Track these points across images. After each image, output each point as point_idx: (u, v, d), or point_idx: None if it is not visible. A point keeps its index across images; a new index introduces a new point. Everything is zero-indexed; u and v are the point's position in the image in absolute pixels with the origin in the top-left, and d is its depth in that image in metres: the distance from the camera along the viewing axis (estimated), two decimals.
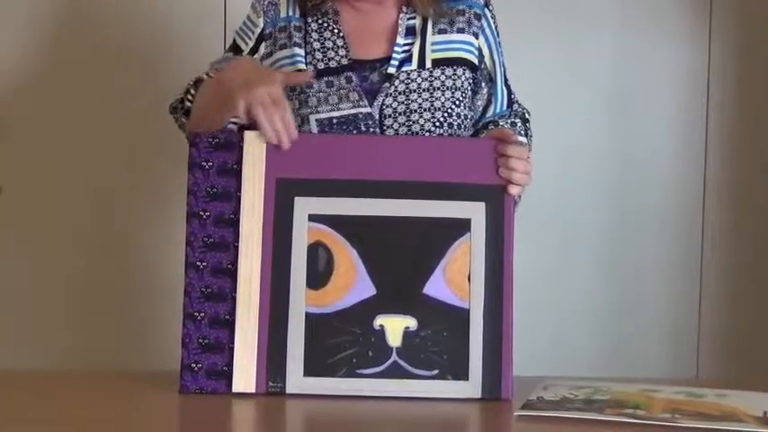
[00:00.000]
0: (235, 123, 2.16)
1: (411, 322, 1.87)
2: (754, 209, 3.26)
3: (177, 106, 2.20)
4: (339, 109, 2.11)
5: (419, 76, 2.14)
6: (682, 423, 1.65)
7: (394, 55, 2.14)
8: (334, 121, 2.11)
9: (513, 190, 1.91)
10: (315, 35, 2.16)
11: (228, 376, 1.87)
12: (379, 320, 1.87)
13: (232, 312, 1.89)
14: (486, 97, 2.23)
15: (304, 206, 1.90)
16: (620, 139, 3.22)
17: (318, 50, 2.15)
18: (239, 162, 1.92)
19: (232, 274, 1.90)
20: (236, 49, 2.24)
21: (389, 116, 2.11)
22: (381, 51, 2.16)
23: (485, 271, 1.89)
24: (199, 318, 1.89)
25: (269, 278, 1.89)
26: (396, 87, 2.12)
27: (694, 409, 1.72)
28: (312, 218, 1.90)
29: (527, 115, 2.28)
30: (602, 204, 3.22)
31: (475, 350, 1.87)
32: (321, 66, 2.14)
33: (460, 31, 2.18)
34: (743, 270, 3.27)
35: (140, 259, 3.12)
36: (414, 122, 2.12)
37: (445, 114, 2.13)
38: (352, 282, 1.88)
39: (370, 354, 1.86)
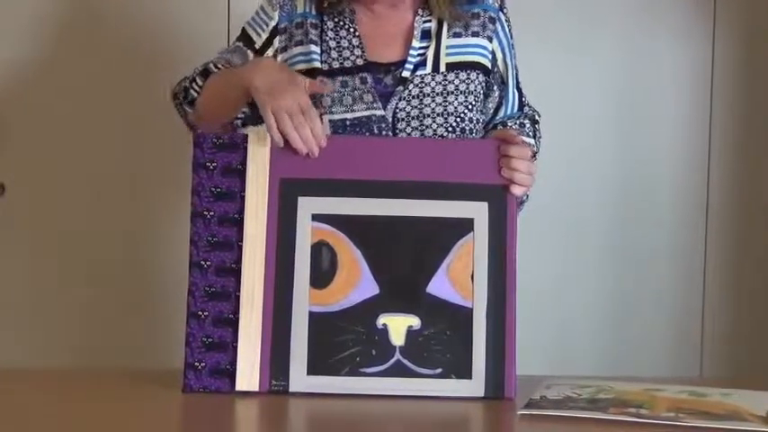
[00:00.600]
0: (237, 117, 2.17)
1: (414, 321, 1.87)
2: (757, 209, 3.25)
3: (179, 93, 2.19)
4: (353, 111, 2.11)
5: (433, 79, 2.13)
6: (685, 422, 1.65)
7: (409, 58, 2.14)
8: (348, 123, 2.11)
9: (516, 190, 1.91)
10: (331, 33, 2.15)
11: (232, 375, 1.87)
12: (383, 319, 1.87)
13: (236, 311, 1.89)
14: (497, 100, 2.23)
15: (307, 206, 1.91)
16: (623, 138, 3.21)
17: (334, 49, 2.14)
18: (243, 162, 1.92)
19: (236, 273, 1.90)
20: (246, 39, 2.21)
21: (402, 120, 2.11)
22: (396, 54, 2.16)
23: (488, 270, 1.89)
24: (202, 317, 1.90)
25: (272, 277, 1.89)
26: (410, 91, 2.12)
27: (698, 409, 1.72)
28: (316, 217, 1.90)
29: (537, 117, 2.28)
30: (607, 204, 3.22)
31: (478, 349, 1.87)
32: (336, 65, 2.14)
33: (475, 34, 2.18)
34: (746, 270, 3.26)
35: (144, 258, 3.12)
36: (426, 127, 2.12)
37: (458, 119, 2.12)
38: (356, 281, 1.88)
39: (374, 353, 1.87)
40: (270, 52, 2.18)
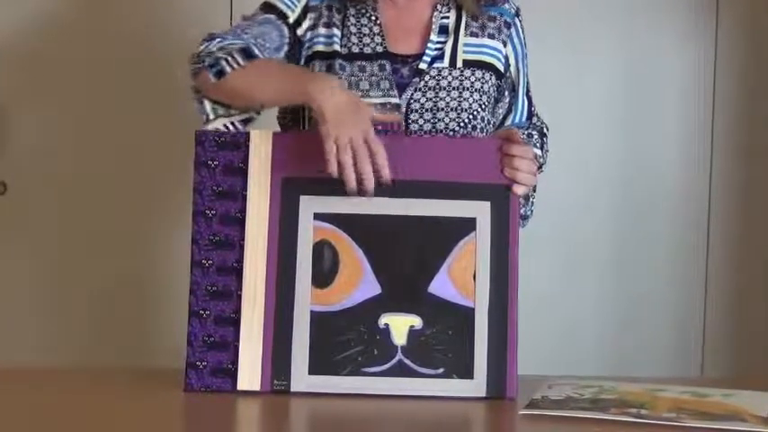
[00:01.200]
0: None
1: (416, 321, 1.87)
2: (759, 210, 3.25)
3: (206, 57, 2.04)
4: (369, 97, 2.10)
5: (450, 74, 2.14)
6: (686, 423, 1.65)
7: (427, 51, 2.15)
8: None
9: (519, 190, 1.91)
10: (352, 20, 2.16)
11: (233, 374, 1.87)
12: (385, 319, 1.87)
13: (237, 310, 1.89)
14: (506, 106, 2.23)
15: (309, 205, 1.90)
16: (626, 140, 3.22)
17: (354, 35, 2.15)
18: (245, 161, 1.92)
19: (238, 272, 1.90)
20: (277, 12, 2.15)
21: (416, 111, 2.11)
22: (414, 48, 2.16)
23: (490, 270, 1.89)
24: (204, 316, 1.90)
25: (274, 276, 1.89)
26: (426, 83, 2.13)
27: (699, 409, 1.72)
28: (317, 216, 1.90)
29: (545, 130, 2.28)
30: (609, 205, 3.22)
31: (480, 349, 1.87)
32: (356, 50, 2.14)
33: (491, 36, 2.19)
34: (748, 271, 3.26)
35: (145, 257, 3.12)
36: (439, 120, 2.12)
37: (470, 116, 2.13)
38: (358, 280, 1.88)
39: (376, 352, 1.86)
40: (300, 30, 2.14)
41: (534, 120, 2.27)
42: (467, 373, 1.86)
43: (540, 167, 2.12)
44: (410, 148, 1.93)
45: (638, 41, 3.21)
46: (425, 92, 2.12)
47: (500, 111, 2.23)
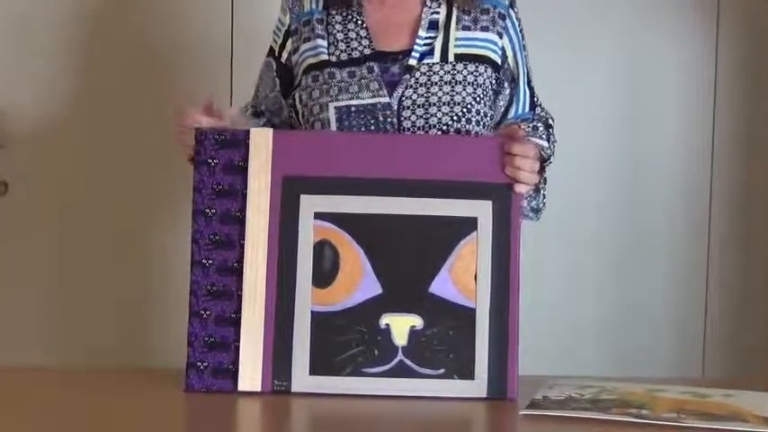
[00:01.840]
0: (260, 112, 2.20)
1: (417, 321, 1.87)
2: (761, 210, 3.25)
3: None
4: (359, 98, 2.12)
5: (441, 69, 2.14)
6: (687, 423, 1.65)
7: (415, 47, 2.15)
8: (353, 109, 2.12)
9: (521, 189, 1.91)
10: (338, 26, 2.18)
11: (234, 375, 1.87)
12: (385, 319, 1.87)
13: (238, 311, 1.89)
14: (508, 98, 2.23)
15: (310, 204, 1.90)
16: (627, 138, 3.21)
17: (342, 41, 2.17)
18: (245, 159, 1.92)
19: (238, 272, 1.90)
20: (271, 50, 2.28)
21: (408, 108, 2.11)
22: (403, 44, 2.17)
23: (491, 270, 1.88)
24: (204, 316, 1.89)
25: (275, 276, 1.89)
26: (417, 79, 2.13)
27: (700, 409, 1.72)
28: (318, 216, 1.90)
29: (550, 121, 2.27)
30: (609, 204, 3.22)
31: (481, 349, 1.87)
32: (344, 56, 2.16)
33: (484, 29, 2.19)
34: (749, 271, 3.26)
35: (146, 257, 3.12)
36: (431, 115, 2.12)
37: (464, 110, 2.12)
38: (358, 280, 1.88)
39: (376, 353, 1.86)
40: (284, 55, 2.24)
41: (538, 110, 2.27)
42: (468, 373, 1.86)
43: (547, 159, 2.12)
44: (411, 148, 1.93)
45: (639, 40, 3.20)
46: (416, 88, 2.12)
47: (501, 103, 2.22)
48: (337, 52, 2.17)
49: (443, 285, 1.88)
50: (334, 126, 2.12)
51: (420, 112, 2.11)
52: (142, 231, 3.11)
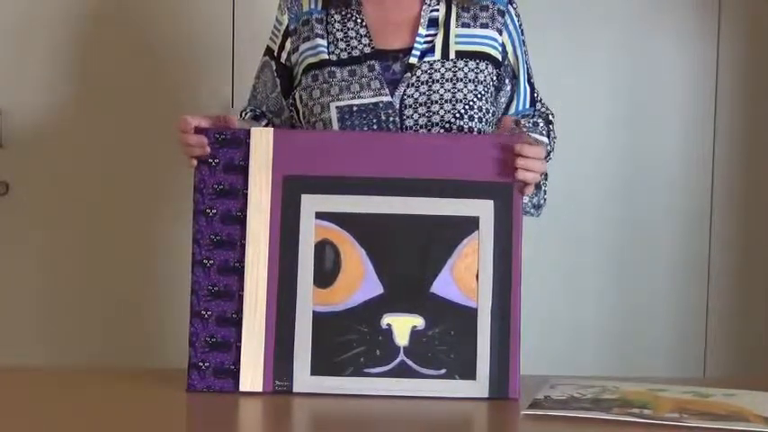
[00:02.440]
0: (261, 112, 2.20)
1: (418, 321, 1.87)
2: (762, 210, 3.25)
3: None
4: (360, 97, 2.12)
5: (443, 66, 2.14)
6: (689, 423, 1.65)
7: (416, 45, 2.14)
8: (354, 108, 2.11)
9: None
10: (338, 26, 2.18)
11: (236, 375, 1.87)
12: (387, 319, 1.87)
13: (239, 311, 1.89)
14: (508, 94, 2.23)
15: (311, 204, 1.90)
16: (628, 139, 3.21)
17: (341, 40, 2.17)
18: (246, 159, 1.92)
19: (239, 272, 1.90)
20: (269, 51, 2.28)
21: (410, 106, 2.11)
22: (404, 42, 2.16)
23: (493, 270, 1.88)
24: (206, 316, 1.89)
25: (276, 276, 1.89)
26: (418, 77, 2.13)
27: (701, 409, 1.72)
28: (319, 215, 1.90)
29: (551, 117, 2.27)
30: (611, 204, 3.22)
31: (482, 349, 1.86)
32: (344, 55, 2.16)
33: (484, 26, 2.19)
34: (750, 271, 3.26)
35: (147, 257, 3.12)
36: (434, 113, 2.11)
37: (466, 106, 2.12)
38: (360, 280, 1.88)
39: (378, 353, 1.86)
40: (284, 55, 2.23)
41: (538, 106, 2.27)
42: (469, 373, 1.86)
43: (547, 155, 2.12)
44: (412, 147, 1.93)
45: (640, 40, 3.20)
46: (418, 86, 2.12)
47: (502, 99, 2.22)
48: (337, 51, 2.16)
49: (445, 285, 1.88)
50: (336, 126, 2.11)
51: (422, 110, 2.11)
52: (143, 231, 3.11)
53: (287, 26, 2.23)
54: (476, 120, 2.13)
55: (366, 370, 1.86)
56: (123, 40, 3.08)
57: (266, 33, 2.29)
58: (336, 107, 2.12)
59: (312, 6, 2.21)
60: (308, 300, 1.88)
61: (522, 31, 2.23)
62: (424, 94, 2.11)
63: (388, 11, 2.19)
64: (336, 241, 1.89)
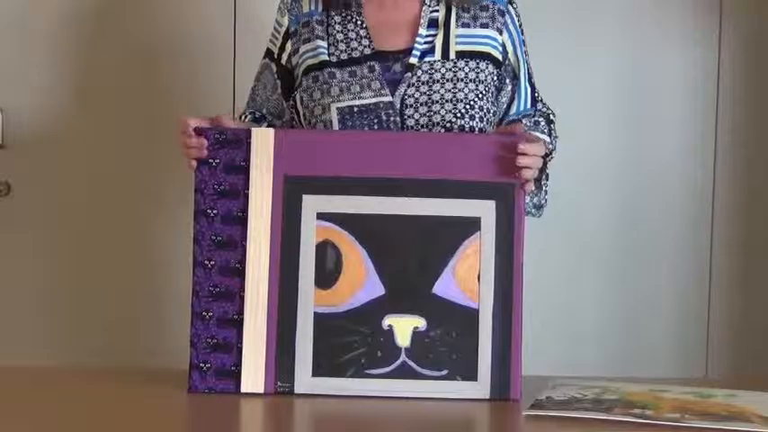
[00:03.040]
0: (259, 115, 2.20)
1: (420, 322, 1.87)
2: (764, 210, 3.25)
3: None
4: (360, 98, 2.12)
5: (443, 66, 2.13)
6: (690, 423, 1.65)
7: (416, 45, 2.14)
8: (355, 109, 2.11)
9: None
10: (338, 27, 2.18)
11: (237, 376, 1.87)
12: (388, 320, 1.87)
13: (240, 312, 1.89)
14: (509, 94, 2.23)
15: (312, 204, 1.90)
16: (630, 140, 3.21)
17: (342, 42, 2.16)
18: (247, 159, 1.91)
19: (240, 273, 1.89)
20: (269, 53, 2.27)
21: (411, 106, 2.11)
22: (404, 42, 2.16)
23: (494, 271, 1.88)
24: (207, 317, 1.89)
25: (277, 277, 1.89)
26: (418, 77, 2.12)
27: (703, 410, 1.72)
28: (320, 216, 1.90)
29: (552, 116, 2.27)
30: (613, 204, 3.21)
31: (484, 350, 1.86)
32: (344, 56, 2.15)
33: (484, 26, 2.18)
34: (752, 271, 3.26)
35: (149, 257, 3.12)
36: (435, 113, 2.11)
37: (467, 106, 2.12)
38: (361, 281, 1.88)
39: (379, 354, 1.86)
40: (284, 57, 2.23)
41: (539, 106, 2.27)
42: (471, 374, 1.86)
43: (549, 154, 2.13)
44: (413, 147, 1.92)
45: (642, 41, 3.20)
46: (419, 86, 2.12)
47: (503, 99, 2.22)
48: (337, 52, 2.16)
49: (446, 286, 1.87)
50: (336, 127, 2.11)
51: (423, 110, 2.11)
52: (144, 232, 3.11)
53: (287, 28, 2.23)
54: (476, 119, 2.13)
55: (367, 371, 1.86)
56: (125, 41, 3.08)
57: (267, 34, 2.29)
58: (337, 108, 2.12)
59: (312, 8, 2.21)
60: (309, 301, 1.88)
61: (522, 30, 2.23)
62: (425, 93, 2.11)
63: (387, 12, 2.19)
64: (338, 242, 1.89)
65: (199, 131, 1.93)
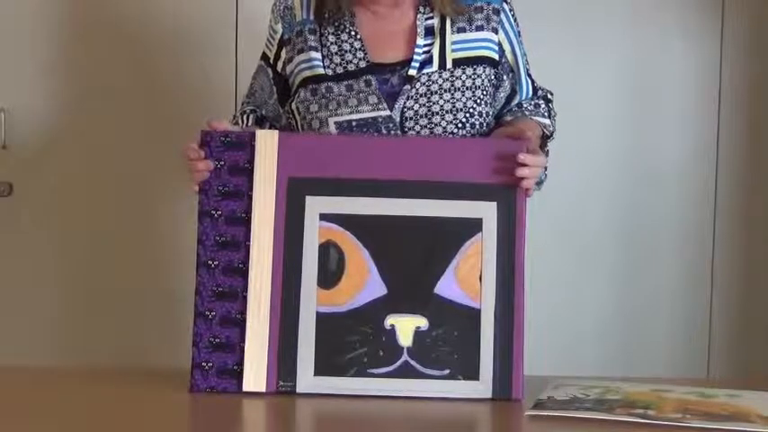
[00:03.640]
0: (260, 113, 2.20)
1: (422, 322, 1.87)
2: (765, 210, 3.25)
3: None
4: (358, 111, 2.10)
5: (440, 77, 2.12)
6: (692, 423, 1.65)
7: (415, 57, 2.12)
8: (354, 123, 2.10)
9: (529, 193, 1.92)
10: (332, 38, 2.15)
11: (239, 375, 1.87)
12: (390, 320, 1.87)
13: (243, 311, 1.89)
14: (508, 90, 2.22)
15: (315, 205, 1.90)
16: (632, 137, 3.21)
17: (336, 54, 2.14)
18: (251, 161, 1.92)
19: (243, 273, 1.90)
20: (265, 57, 2.26)
21: (411, 119, 2.10)
22: (400, 54, 2.14)
23: (496, 271, 1.89)
24: (210, 317, 1.90)
25: (280, 277, 1.89)
26: (417, 90, 2.11)
27: (705, 410, 1.72)
28: (323, 217, 1.90)
29: (549, 96, 2.28)
30: (614, 204, 3.21)
31: (486, 350, 1.87)
32: (340, 70, 2.13)
33: (480, 28, 2.17)
34: (754, 271, 3.26)
35: (151, 258, 3.12)
36: (436, 125, 2.11)
37: (467, 115, 2.12)
38: (364, 281, 1.88)
39: (381, 353, 1.86)
40: (280, 64, 2.22)
41: (539, 93, 2.27)
42: (473, 374, 1.86)
43: (550, 135, 2.15)
44: (416, 149, 1.93)
45: (644, 39, 3.20)
46: (417, 99, 2.11)
47: (501, 95, 2.21)
48: (333, 65, 2.14)
49: (448, 286, 1.88)
50: None
51: (424, 122, 2.10)
52: (146, 232, 3.11)
53: (281, 35, 2.21)
54: (477, 126, 2.13)
55: (370, 370, 1.86)
56: (126, 41, 3.08)
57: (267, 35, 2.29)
58: (335, 122, 2.11)
59: (305, 16, 2.18)
60: (311, 300, 1.88)
61: (516, 23, 2.22)
62: (425, 105, 2.11)
63: (381, 22, 2.17)
64: (340, 242, 1.90)
65: (205, 133, 1.94)
